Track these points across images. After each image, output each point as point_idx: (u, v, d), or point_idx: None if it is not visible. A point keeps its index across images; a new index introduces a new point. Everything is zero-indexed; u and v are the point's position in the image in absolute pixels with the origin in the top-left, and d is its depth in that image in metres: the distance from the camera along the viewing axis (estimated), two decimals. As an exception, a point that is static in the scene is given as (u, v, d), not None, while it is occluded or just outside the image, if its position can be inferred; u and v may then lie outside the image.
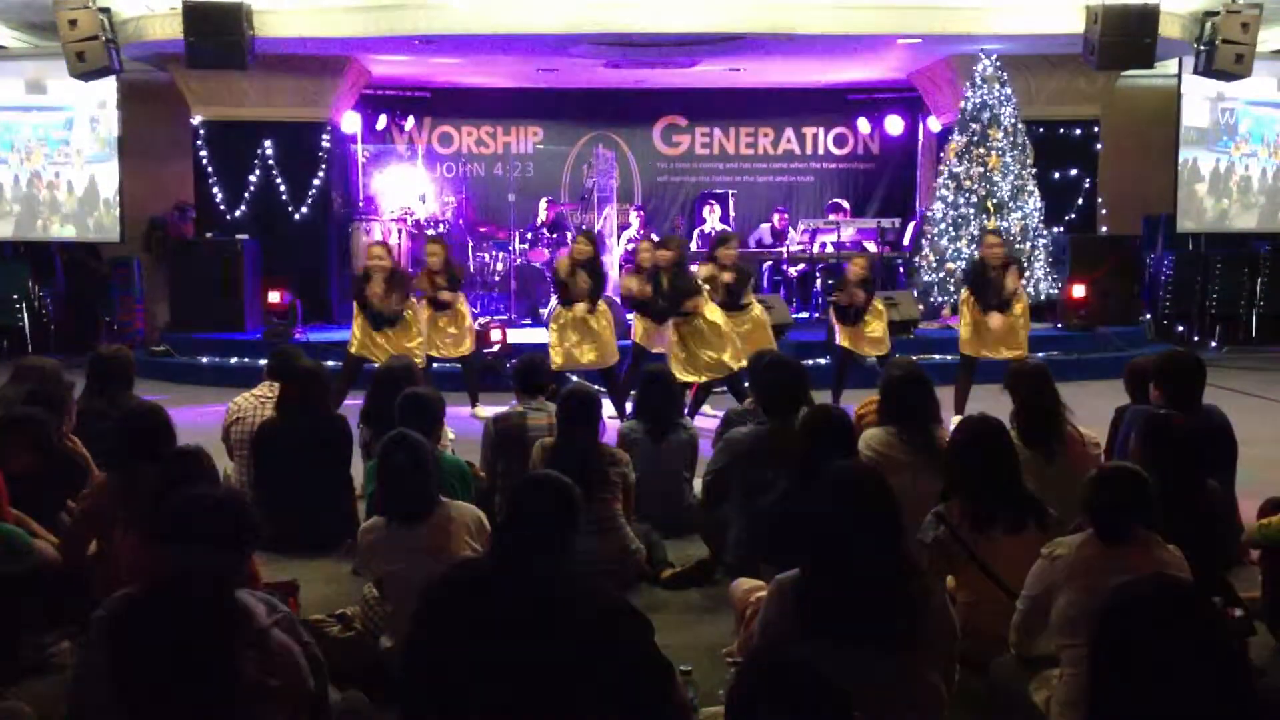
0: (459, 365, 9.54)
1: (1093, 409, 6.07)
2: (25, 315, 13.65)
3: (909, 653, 2.97)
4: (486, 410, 8.25)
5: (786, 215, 14.63)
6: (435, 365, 9.32)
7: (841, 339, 9.35)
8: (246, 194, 13.23)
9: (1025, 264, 11.20)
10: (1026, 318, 9.21)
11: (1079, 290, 12.46)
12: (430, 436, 4.74)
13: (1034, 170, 12.49)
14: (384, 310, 8.88)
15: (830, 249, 13.39)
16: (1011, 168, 12.31)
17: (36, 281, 13.79)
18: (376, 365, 7.68)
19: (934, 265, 12.47)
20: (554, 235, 13.66)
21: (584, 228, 12.81)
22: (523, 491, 3.11)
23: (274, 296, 12.22)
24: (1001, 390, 5.39)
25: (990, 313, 8.85)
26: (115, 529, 4.15)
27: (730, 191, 15.18)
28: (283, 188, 13.27)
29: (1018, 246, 11.87)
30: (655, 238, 10.19)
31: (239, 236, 12.75)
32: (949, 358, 10.43)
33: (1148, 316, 13.87)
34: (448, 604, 2.91)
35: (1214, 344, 14.02)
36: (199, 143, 13.19)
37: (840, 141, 16.00)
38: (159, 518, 3.27)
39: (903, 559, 3.08)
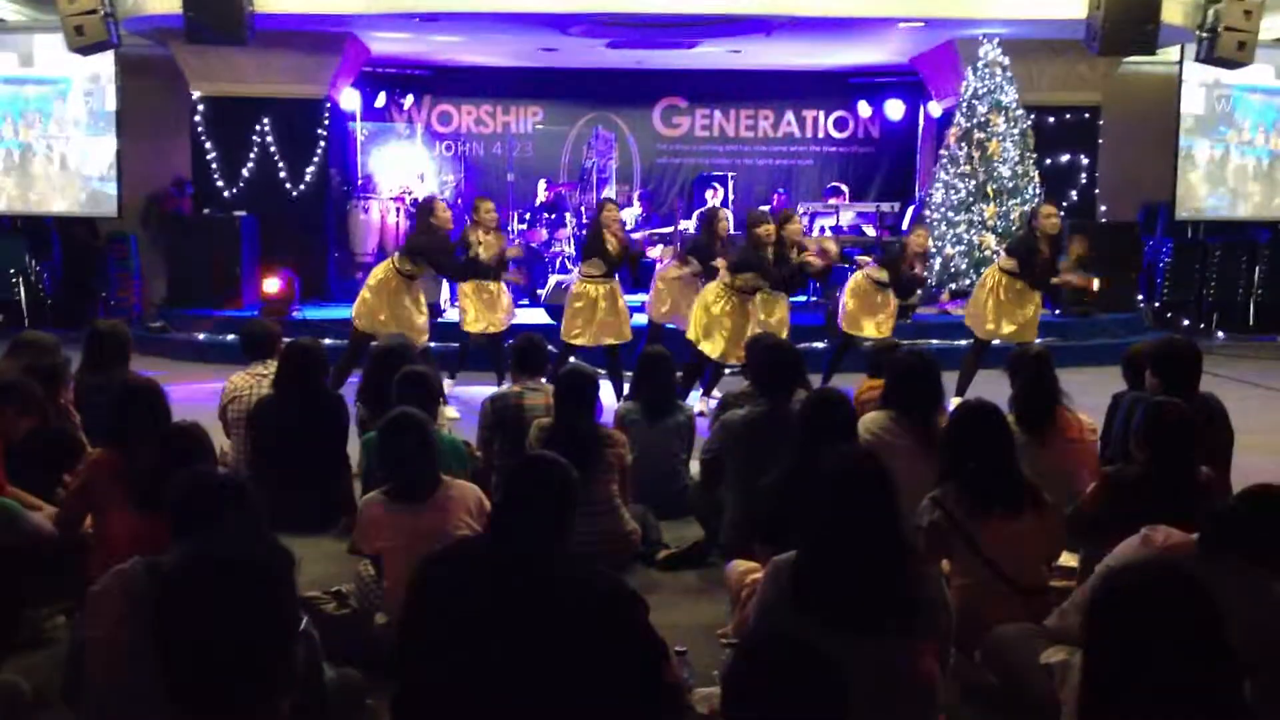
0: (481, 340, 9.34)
1: (1089, 395, 6.07)
2: (22, 290, 13.61)
3: (904, 636, 2.98)
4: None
5: (786, 197, 14.57)
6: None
7: (845, 324, 9.32)
8: (244, 170, 13.17)
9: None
10: (1039, 303, 9.14)
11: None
12: (428, 414, 4.73)
13: (1034, 156, 12.46)
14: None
15: (829, 233, 13.34)
16: (1012, 153, 12.28)
17: (33, 256, 13.75)
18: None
19: (933, 250, 12.44)
20: (552, 216, 13.62)
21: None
22: (520, 472, 3.11)
23: (271, 274, 12.19)
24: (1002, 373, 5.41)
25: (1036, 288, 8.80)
26: (111, 504, 4.15)
27: (730, 174, 15.12)
28: (281, 165, 13.21)
29: (1016, 232, 11.82)
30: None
31: (236, 213, 12.70)
32: (946, 343, 10.43)
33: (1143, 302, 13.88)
34: (444, 582, 2.92)
35: (1220, 334, 14.01)
36: (197, 118, 13.11)
37: (841, 125, 15.94)
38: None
39: (899, 543, 3.09)
